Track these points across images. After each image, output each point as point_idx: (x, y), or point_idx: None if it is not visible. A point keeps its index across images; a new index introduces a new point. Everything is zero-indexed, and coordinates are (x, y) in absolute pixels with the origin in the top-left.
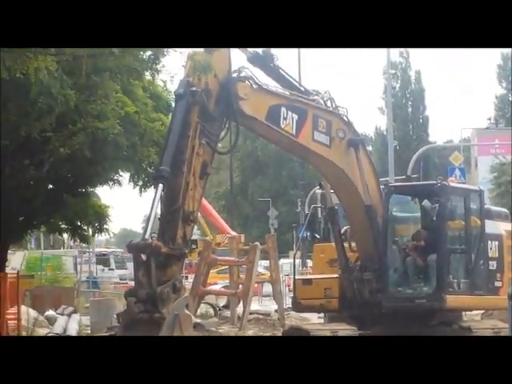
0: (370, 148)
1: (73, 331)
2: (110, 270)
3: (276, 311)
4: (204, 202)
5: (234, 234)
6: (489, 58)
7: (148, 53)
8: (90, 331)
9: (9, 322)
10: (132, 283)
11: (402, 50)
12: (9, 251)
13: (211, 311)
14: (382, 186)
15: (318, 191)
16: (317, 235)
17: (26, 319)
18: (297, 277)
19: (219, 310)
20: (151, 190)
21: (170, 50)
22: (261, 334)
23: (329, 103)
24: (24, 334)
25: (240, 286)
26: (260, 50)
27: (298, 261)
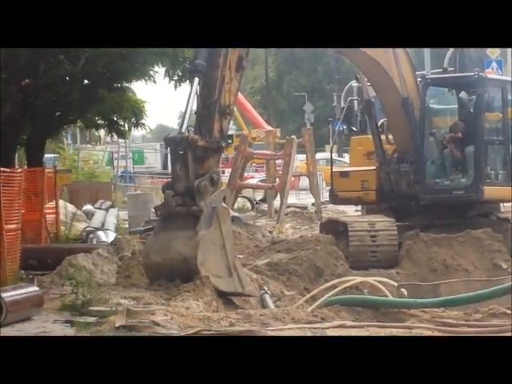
0: None
1: (111, 225)
2: None
3: (313, 204)
4: (240, 96)
5: (269, 128)
6: None
7: None
8: (127, 225)
9: (48, 216)
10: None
11: None
12: None
13: (248, 205)
14: (418, 79)
15: (355, 84)
16: (354, 128)
17: (64, 213)
18: (334, 169)
19: (256, 203)
20: (186, 85)
21: None
22: (298, 226)
23: None
24: (62, 228)
25: (277, 179)
26: None
27: (334, 155)
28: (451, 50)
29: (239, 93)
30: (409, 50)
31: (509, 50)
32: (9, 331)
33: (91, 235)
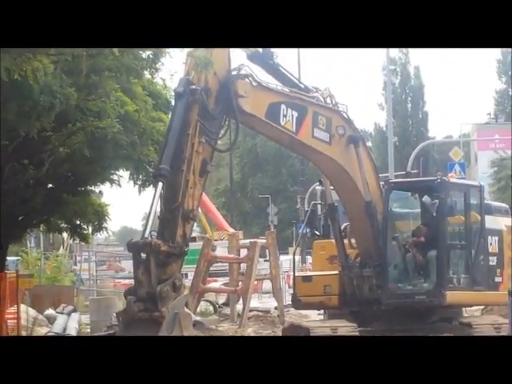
0: (369, 144)
1: (72, 330)
2: None
3: (276, 308)
4: (204, 198)
5: (232, 230)
6: (488, 52)
7: (147, 52)
8: (89, 330)
9: (8, 321)
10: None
11: None
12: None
13: (211, 309)
14: (381, 183)
15: (318, 188)
16: (316, 232)
17: (26, 318)
18: (296, 274)
19: (219, 307)
20: (151, 189)
21: (169, 49)
22: (261, 331)
23: (328, 100)
24: (24, 333)
25: (240, 283)
26: (260, 48)
27: (297, 257)
28: (414, 153)
29: (204, 194)
30: (371, 151)
31: (472, 152)
32: None
33: None
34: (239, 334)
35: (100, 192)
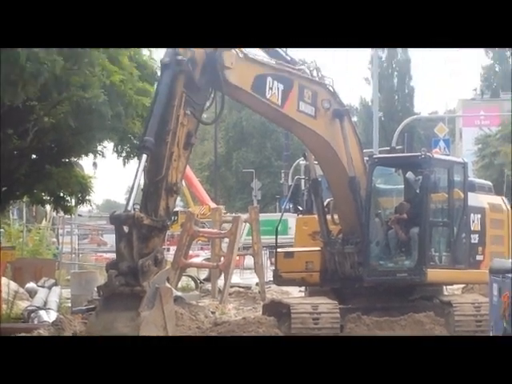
0: (354, 119)
1: (53, 304)
2: None
3: (257, 284)
4: (188, 171)
5: (214, 205)
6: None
7: None
8: (70, 304)
9: None
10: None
11: None
12: None
13: (192, 284)
14: (365, 158)
15: (302, 162)
16: (300, 207)
17: (7, 292)
18: (278, 250)
19: (200, 282)
20: (135, 161)
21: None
22: (241, 307)
23: (315, 73)
24: (4, 306)
25: (222, 258)
26: None
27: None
28: (399, 128)
29: (188, 168)
30: (356, 126)
31: (457, 129)
32: None
33: (33, 314)
34: (220, 311)
35: (94, 164)
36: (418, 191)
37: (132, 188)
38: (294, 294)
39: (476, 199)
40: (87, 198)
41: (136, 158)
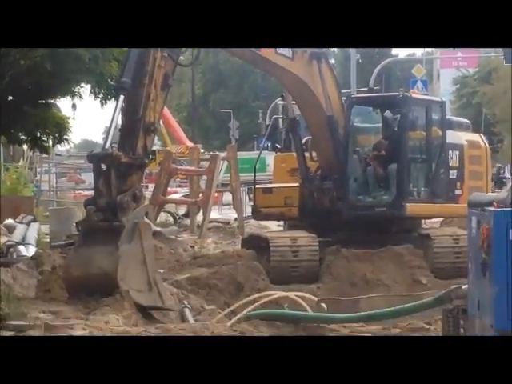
0: (332, 61)
1: (31, 239)
2: None
3: (235, 219)
4: (165, 111)
5: (191, 144)
6: None
7: None
8: (48, 239)
9: None
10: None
11: None
12: None
13: (171, 219)
14: (343, 98)
15: (280, 102)
16: (278, 145)
17: None
18: (257, 186)
19: (179, 218)
20: (112, 102)
21: None
22: (220, 241)
23: None
24: None
25: (200, 194)
26: None
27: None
28: (376, 70)
29: (165, 108)
30: (334, 68)
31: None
32: None
33: (11, 249)
34: (199, 245)
35: (74, 105)
36: (396, 129)
37: (109, 128)
38: (272, 229)
39: (454, 136)
40: (65, 137)
41: (113, 99)
